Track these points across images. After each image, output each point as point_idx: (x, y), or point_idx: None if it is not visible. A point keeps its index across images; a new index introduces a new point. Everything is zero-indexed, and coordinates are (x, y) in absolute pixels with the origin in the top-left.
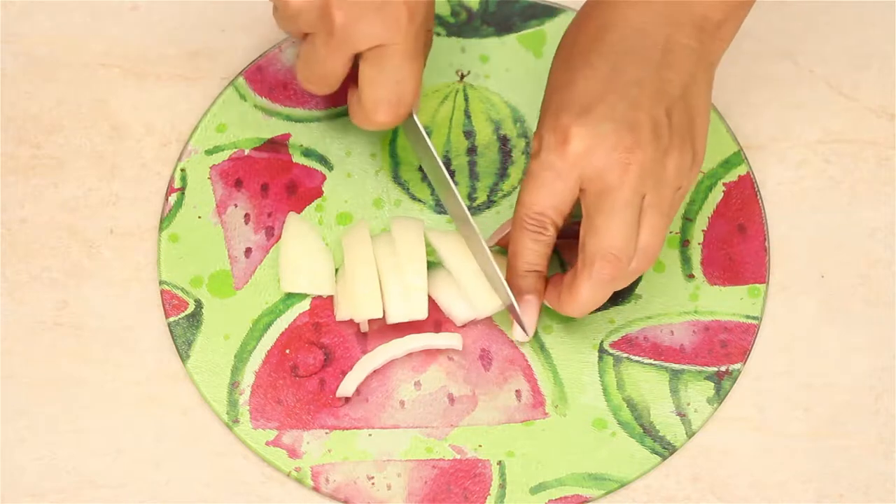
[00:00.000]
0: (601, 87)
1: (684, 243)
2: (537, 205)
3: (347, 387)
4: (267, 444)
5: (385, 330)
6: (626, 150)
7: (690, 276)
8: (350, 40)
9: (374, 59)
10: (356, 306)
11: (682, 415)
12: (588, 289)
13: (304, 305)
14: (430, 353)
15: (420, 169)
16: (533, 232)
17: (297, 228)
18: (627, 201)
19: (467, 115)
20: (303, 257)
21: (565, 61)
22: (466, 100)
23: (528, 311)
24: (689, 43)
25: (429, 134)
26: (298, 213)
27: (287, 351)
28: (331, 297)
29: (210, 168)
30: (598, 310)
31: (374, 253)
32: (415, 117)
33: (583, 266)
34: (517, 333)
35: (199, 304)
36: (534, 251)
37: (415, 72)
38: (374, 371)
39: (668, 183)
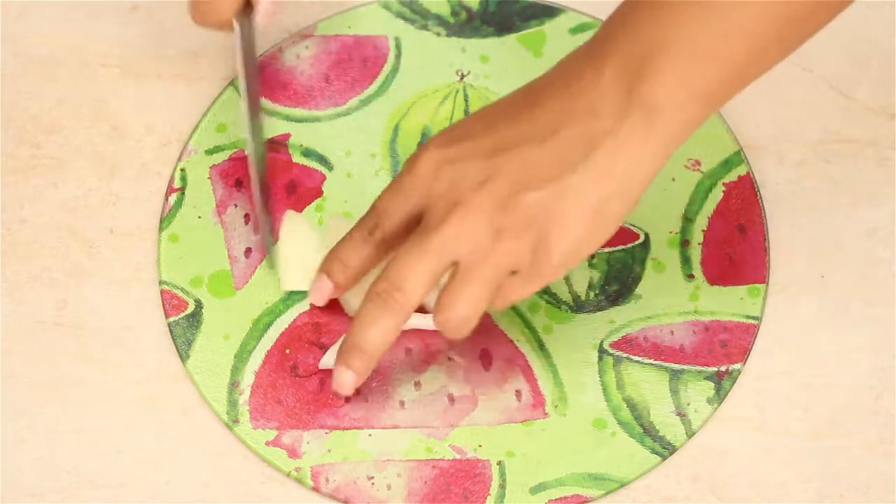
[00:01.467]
0: (479, 131)
1: (684, 243)
2: (379, 208)
3: (328, 359)
4: (267, 444)
5: None
6: (454, 202)
7: (690, 276)
8: None
9: None
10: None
11: (682, 415)
12: (364, 306)
13: (304, 305)
14: (430, 353)
15: None
16: (364, 231)
17: (296, 226)
18: (433, 249)
19: (467, 114)
20: (301, 255)
21: (503, 98)
22: (466, 100)
23: (319, 288)
24: (602, 136)
25: (428, 133)
26: (298, 212)
27: (287, 351)
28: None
29: (210, 168)
30: (598, 310)
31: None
32: (236, 27)
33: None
34: (311, 297)
35: (199, 304)
36: (356, 249)
37: None
38: (374, 371)
39: (493, 258)
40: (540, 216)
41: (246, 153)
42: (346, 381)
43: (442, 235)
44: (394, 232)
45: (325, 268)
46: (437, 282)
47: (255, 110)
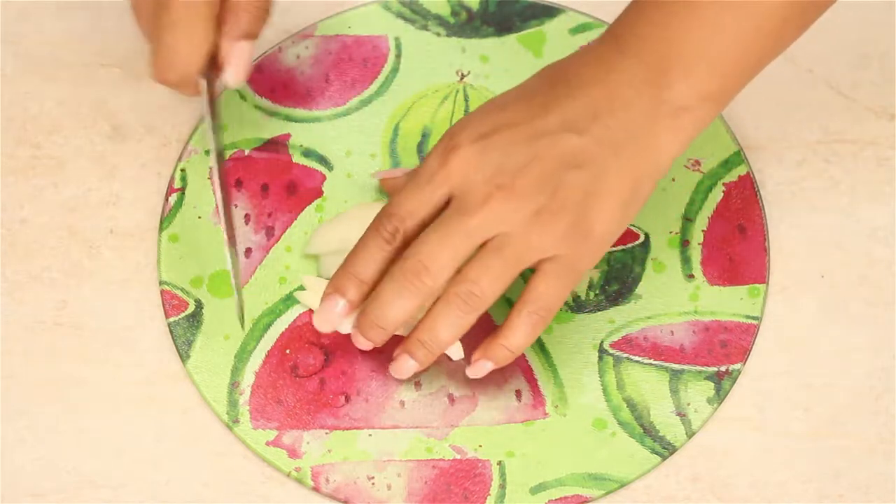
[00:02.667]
0: (516, 119)
1: (684, 243)
2: (402, 207)
3: (307, 298)
4: (267, 444)
5: None
6: (497, 186)
7: (690, 277)
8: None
9: (155, 15)
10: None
11: (682, 415)
12: (389, 285)
13: (305, 306)
14: None
15: None
16: (383, 239)
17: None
18: (469, 230)
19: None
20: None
21: (514, 92)
22: (466, 100)
23: (329, 310)
24: (637, 125)
25: (428, 134)
26: (298, 213)
27: (287, 351)
28: None
29: (210, 168)
30: (598, 310)
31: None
32: (203, 87)
33: (398, 260)
34: (316, 323)
35: (199, 305)
36: (373, 259)
37: (183, 37)
38: (374, 371)
39: (526, 239)
40: (580, 198)
41: (219, 216)
42: (363, 345)
43: (482, 216)
44: (416, 233)
45: (337, 286)
46: (461, 263)
47: (221, 167)
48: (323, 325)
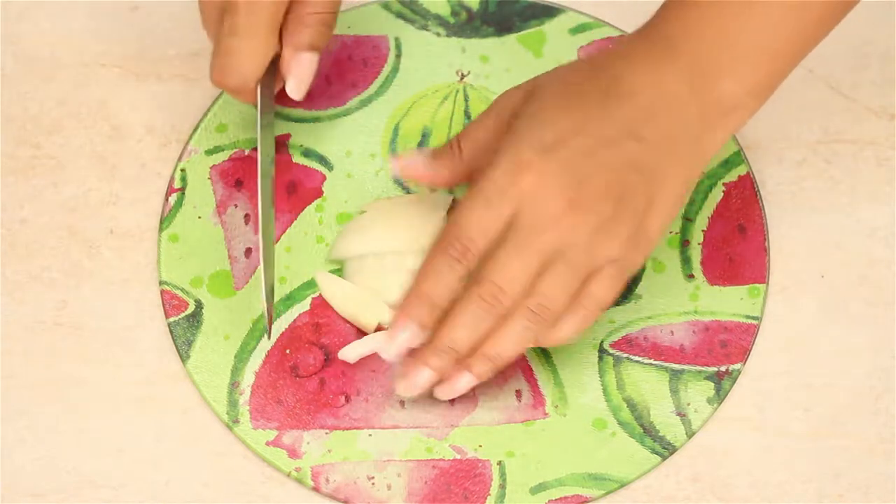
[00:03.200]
0: (578, 130)
1: (684, 243)
2: (473, 228)
3: (349, 353)
4: (267, 444)
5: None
6: (568, 201)
7: (690, 277)
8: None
9: (222, 22)
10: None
11: (682, 415)
12: (466, 308)
13: (305, 305)
14: None
15: None
16: (454, 259)
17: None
18: (542, 248)
19: (467, 115)
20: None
21: (564, 92)
22: (466, 100)
23: (402, 340)
24: (691, 127)
25: (428, 134)
26: (298, 213)
27: (287, 351)
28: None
29: (210, 168)
30: None
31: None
32: (258, 94)
33: (471, 284)
34: (386, 354)
35: (199, 305)
36: (445, 283)
37: (246, 45)
38: (374, 371)
39: (591, 248)
40: (642, 202)
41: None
42: (422, 382)
43: (555, 233)
44: (486, 251)
45: (409, 311)
46: (533, 278)
47: (268, 173)
48: (393, 353)
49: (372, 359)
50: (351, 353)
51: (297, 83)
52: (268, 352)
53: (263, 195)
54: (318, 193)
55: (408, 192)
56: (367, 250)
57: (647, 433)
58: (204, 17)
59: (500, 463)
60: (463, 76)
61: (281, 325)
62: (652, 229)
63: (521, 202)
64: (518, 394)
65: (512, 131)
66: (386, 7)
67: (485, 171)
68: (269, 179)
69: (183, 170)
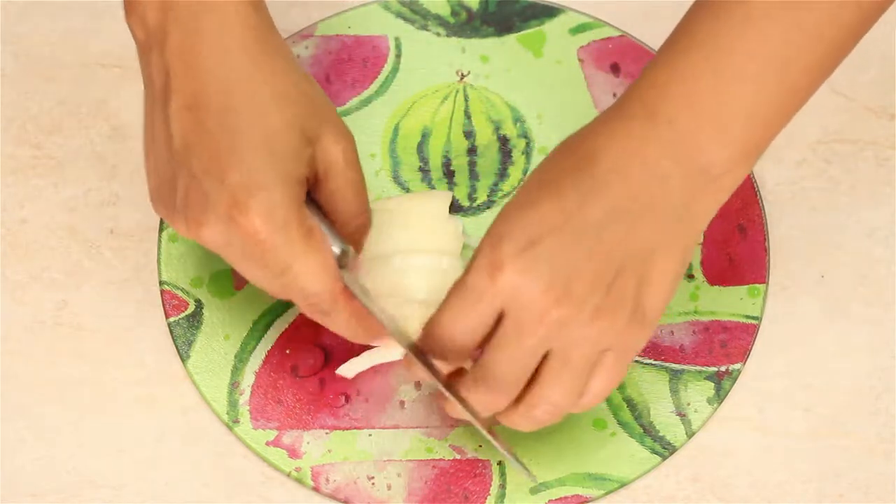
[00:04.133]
0: (558, 222)
1: None
2: (456, 331)
3: (347, 369)
4: (267, 444)
5: None
6: (554, 299)
7: (690, 277)
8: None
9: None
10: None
11: (682, 415)
12: (469, 395)
13: None
14: None
15: (420, 169)
16: (443, 356)
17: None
18: (534, 345)
19: (467, 115)
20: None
21: (539, 179)
22: (466, 100)
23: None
24: (677, 199)
25: (428, 134)
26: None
27: (287, 351)
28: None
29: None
30: None
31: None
32: (350, 282)
33: (468, 377)
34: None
35: (199, 305)
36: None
37: (298, 262)
38: (374, 371)
39: (588, 341)
40: (635, 285)
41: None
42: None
43: (542, 333)
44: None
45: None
46: (531, 372)
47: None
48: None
49: None
50: (349, 370)
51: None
52: (268, 352)
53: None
54: None
55: (407, 192)
56: (373, 254)
57: (647, 433)
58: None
59: (500, 463)
60: (463, 76)
61: (281, 325)
62: (650, 310)
63: (503, 302)
64: None
65: (490, 228)
66: (386, 7)
67: (466, 271)
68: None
69: None
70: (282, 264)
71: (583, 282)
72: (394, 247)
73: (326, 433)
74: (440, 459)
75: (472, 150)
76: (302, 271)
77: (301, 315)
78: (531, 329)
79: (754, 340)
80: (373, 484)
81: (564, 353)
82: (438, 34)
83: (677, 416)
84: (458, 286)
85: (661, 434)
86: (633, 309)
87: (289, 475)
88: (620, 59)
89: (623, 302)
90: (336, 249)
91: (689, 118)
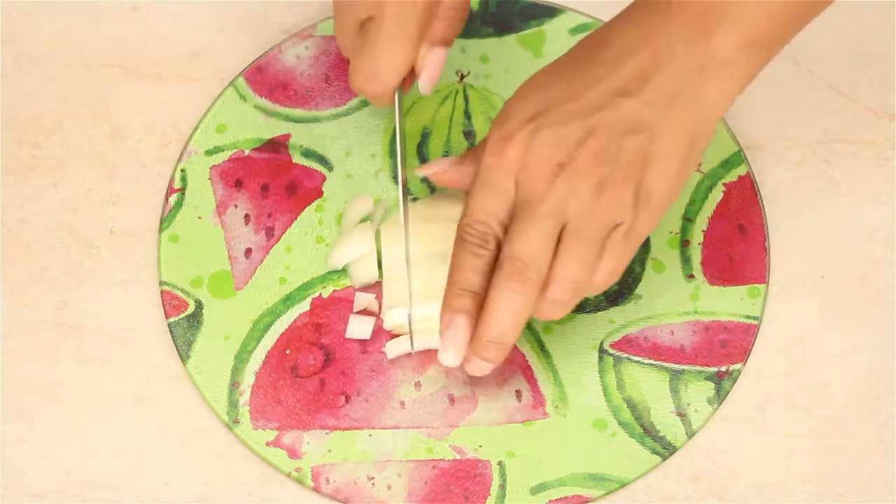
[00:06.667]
0: (564, 96)
1: (684, 243)
2: (480, 212)
3: (391, 349)
4: (267, 444)
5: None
6: (558, 165)
7: (690, 277)
8: (346, 9)
9: (363, 29)
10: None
11: (682, 415)
12: (497, 294)
13: (304, 306)
14: (430, 354)
15: None
16: (475, 245)
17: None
18: (546, 214)
19: (467, 115)
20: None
21: (549, 69)
22: (466, 100)
23: (453, 335)
24: (684, 79)
25: (428, 134)
26: (298, 213)
27: (287, 351)
28: (330, 298)
29: (210, 168)
30: (598, 310)
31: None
32: (396, 98)
33: (496, 271)
34: (444, 357)
35: (199, 305)
36: (473, 268)
37: (392, 50)
38: (374, 371)
39: (597, 213)
40: (639, 162)
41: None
42: (482, 371)
43: (553, 200)
44: (504, 230)
45: (451, 305)
46: (555, 243)
47: (404, 179)
48: (452, 356)
49: (372, 359)
50: (392, 349)
51: (429, 78)
52: (268, 352)
53: (404, 203)
54: (318, 193)
55: (415, 200)
56: (423, 254)
57: (648, 433)
58: (339, 25)
59: (500, 463)
60: (463, 76)
61: (281, 326)
62: (656, 189)
63: (516, 175)
64: (518, 394)
65: (501, 109)
66: None
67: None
68: (405, 187)
69: (183, 170)
70: (381, 38)
71: (587, 152)
72: (419, 251)
73: (326, 433)
74: (440, 460)
75: None
76: (387, 56)
77: (301, 315)
78: (539, 196)
79: (754, 340)
80: (373, 484)
81: (576, 227)
82: None
83: (677, 417)
84: (476, 175)
85: (661, 434)
86: (637, 185)
87: (289, 475)
88: None
89: (629, 175)
90: None
91: (702, 4)
